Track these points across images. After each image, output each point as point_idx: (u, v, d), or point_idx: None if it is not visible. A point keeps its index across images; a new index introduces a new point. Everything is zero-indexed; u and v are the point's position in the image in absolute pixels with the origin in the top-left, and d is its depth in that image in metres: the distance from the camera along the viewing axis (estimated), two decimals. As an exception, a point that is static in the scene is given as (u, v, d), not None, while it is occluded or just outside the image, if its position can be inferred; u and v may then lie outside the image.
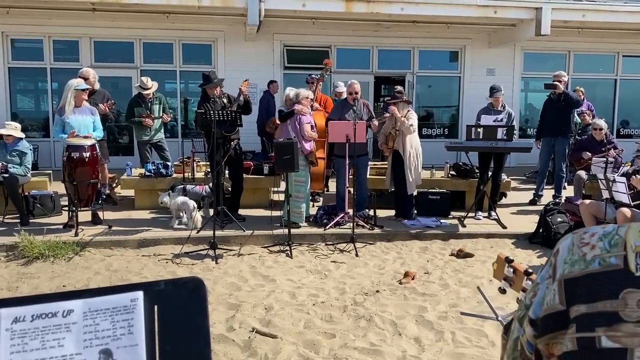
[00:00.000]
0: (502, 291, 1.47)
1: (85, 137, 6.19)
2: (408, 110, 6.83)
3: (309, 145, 6.61)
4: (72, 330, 0.78)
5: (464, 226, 6.89)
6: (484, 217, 7.22)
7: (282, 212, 6.65)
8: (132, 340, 0.78)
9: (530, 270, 1.35)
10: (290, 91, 7.03)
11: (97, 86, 7.42)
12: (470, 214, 7.21)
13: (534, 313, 0.85)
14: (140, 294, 0.81)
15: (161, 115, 8.21)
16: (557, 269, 0.83)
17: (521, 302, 0.92)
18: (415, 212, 7.30)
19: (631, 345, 0.72)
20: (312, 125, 6.66)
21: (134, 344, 0.78)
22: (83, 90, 6.35)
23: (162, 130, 8.39)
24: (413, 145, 6.81)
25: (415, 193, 7.45)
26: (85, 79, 7.13)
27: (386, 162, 7.48)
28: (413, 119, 6.77)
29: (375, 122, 7.00)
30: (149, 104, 8.05)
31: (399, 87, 7.27)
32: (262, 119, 9.67)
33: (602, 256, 0.79)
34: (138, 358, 0.77)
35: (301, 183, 6.59)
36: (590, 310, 0.76)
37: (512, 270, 1.37)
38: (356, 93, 6.93)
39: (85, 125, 6.29)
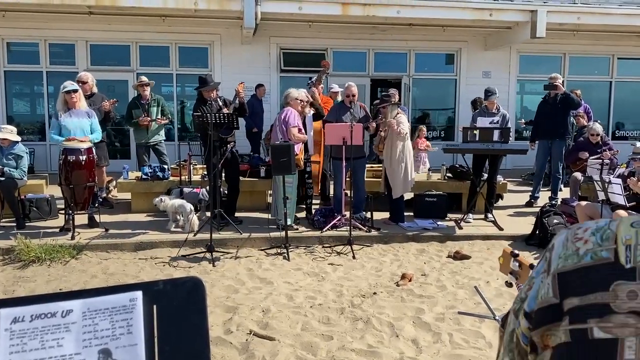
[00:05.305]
0: (509, 285, 1.49)
1: (82, 141, 6.16)
2: (397, 113, 6.79)
3: (296, 148, 6.58)
4: (71, 330, 0.78)
5: (460, 228, 6.90)
6: (474, 219, 7.22)
7: (269, 215, 6.64)
8: (131, 339, 0.78)
9: (535, 264, 1.38)
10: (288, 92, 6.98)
11: (95, 90, 7.40)
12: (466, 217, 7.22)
13: (528, 306, 0.87)
14: (139, 294, 0.81)
15: (158, 117, 8.18)
16: (551, 263, 0.85)
17: (517, 296, 0.94)
18: (412, 214, 7.30)
19: (622, 336, 0.74)
20: (299, 129, 6.63)
21: (133, 343, 0.78)
22: (68, 92, 6.21)
23: (161, 133, 8.36)
24: (400, 148, 6.71)
25: (411, 196, 7.46)
26: (84, 83, 7.11)
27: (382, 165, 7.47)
28: (403, 122, 6.71)
29: (374, 124, 7.00)
30: (147, 106, 8.03)
31: (391, 90, 7.24)
32: (248, 123, 9.78)
33: (594, 250, 0.81)
34: (137, 358, 0.77)
35: (289, 185, 6.55)
36: (583, 303, 0.78)
37: (517, 264, 1.39)
38: (353, 95, 6.94)
39: (82, 128, 6.25)
